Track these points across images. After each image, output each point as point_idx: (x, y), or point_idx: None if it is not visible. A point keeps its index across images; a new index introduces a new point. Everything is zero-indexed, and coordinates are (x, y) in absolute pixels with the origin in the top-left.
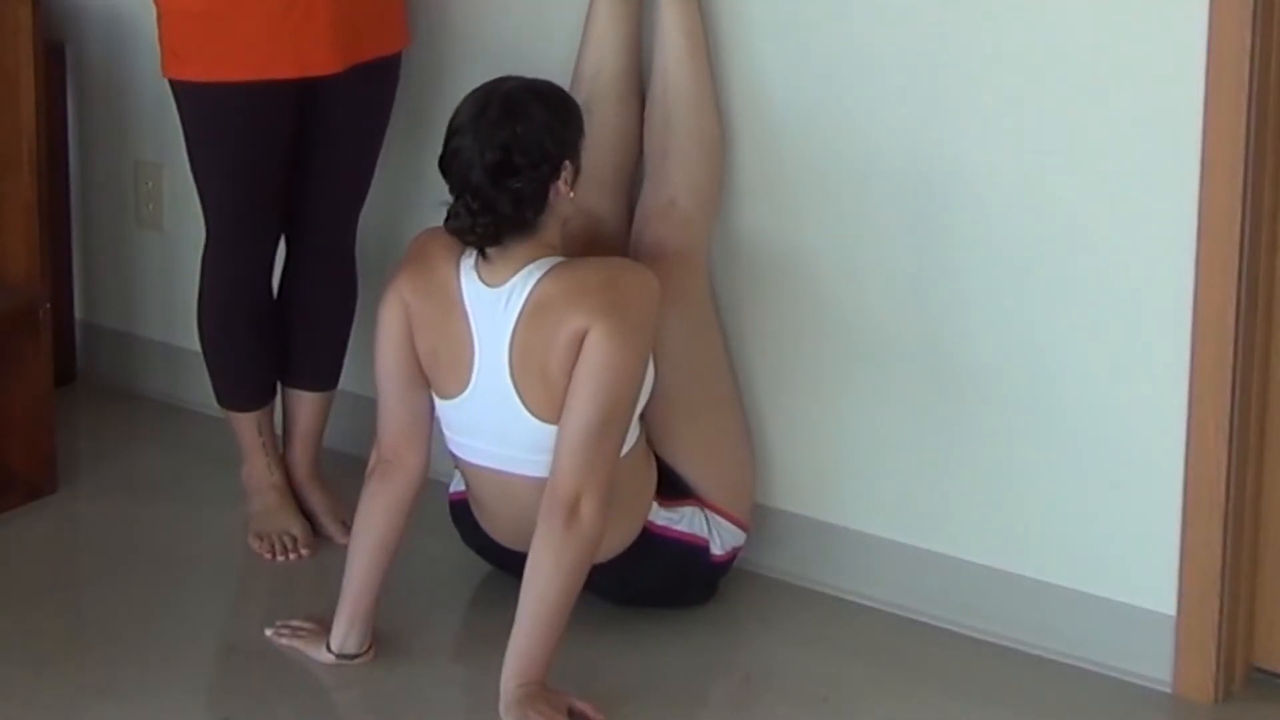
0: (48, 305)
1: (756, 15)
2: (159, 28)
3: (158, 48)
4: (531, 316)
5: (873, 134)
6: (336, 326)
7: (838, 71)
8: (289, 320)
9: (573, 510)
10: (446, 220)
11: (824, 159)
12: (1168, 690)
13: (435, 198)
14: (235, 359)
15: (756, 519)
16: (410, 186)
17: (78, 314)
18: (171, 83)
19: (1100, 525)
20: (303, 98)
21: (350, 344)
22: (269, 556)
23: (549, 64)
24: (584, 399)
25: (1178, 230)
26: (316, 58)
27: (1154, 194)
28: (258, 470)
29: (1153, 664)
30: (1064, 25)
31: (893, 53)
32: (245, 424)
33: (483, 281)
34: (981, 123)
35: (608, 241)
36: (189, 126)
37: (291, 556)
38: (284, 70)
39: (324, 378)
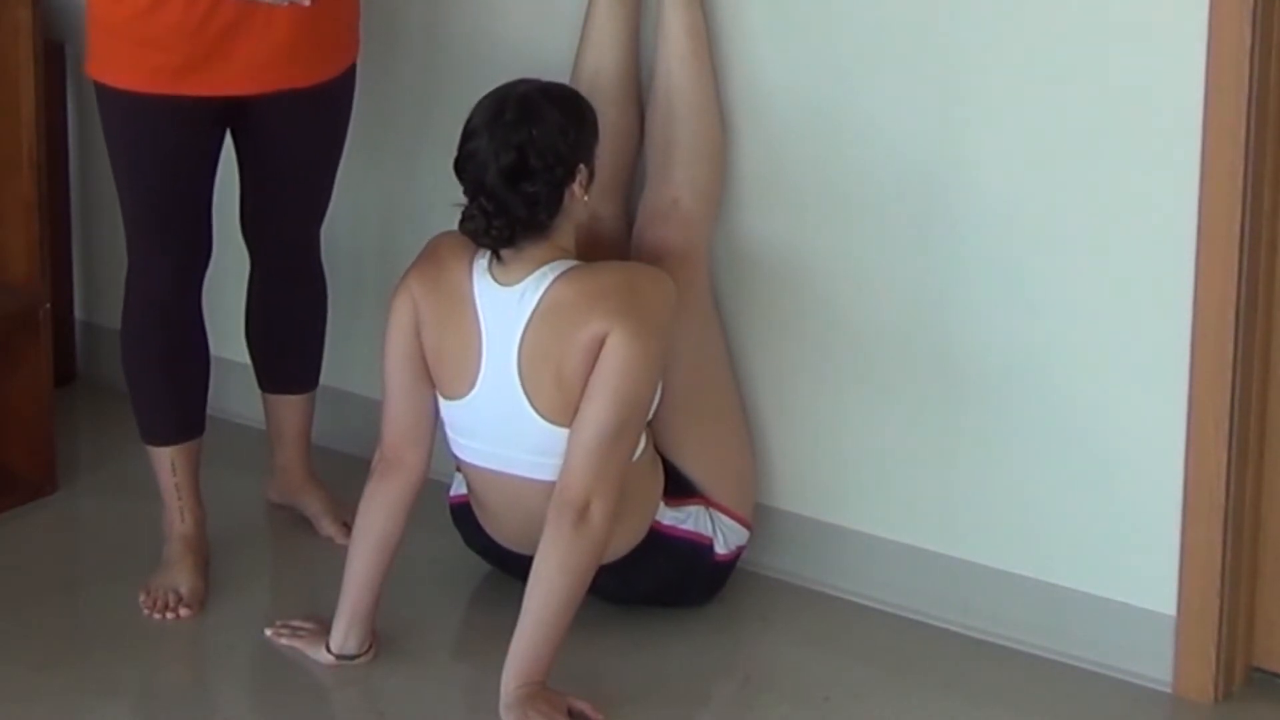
0: (48, 305)
1: (757, 15)
2: (88, 28)
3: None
4: (545, 318)
5: (873, 135)
6: (310, 334)
7: (839, 72)
8: (260, 333)
9: (582, 513)
10: (461, 222)
11: (825, 159)
12: (1168, 690)
13: (448, 200)
14: (150, 386)
15: (758, 519)
16: (411, 189)
17: (78, 314)
18: (93, 83)
19: (1100, 525)
20: (230, 117)
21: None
22: (147, 613)
23: (548, 65)
24: (601, 403)
25: (1178, 230)
26: (233, 79)
27: (1154, 194)
28: (170, 515)
29: (1153, 664)
30: (1064, 26)
31: (894, 53)
32: (161, 460)
33: (496, 281)
34: (983, 123)
35: (607, 242)
36: (106, 131)
37: (169, 616)
38: (197, 88)
39: (305, 381)
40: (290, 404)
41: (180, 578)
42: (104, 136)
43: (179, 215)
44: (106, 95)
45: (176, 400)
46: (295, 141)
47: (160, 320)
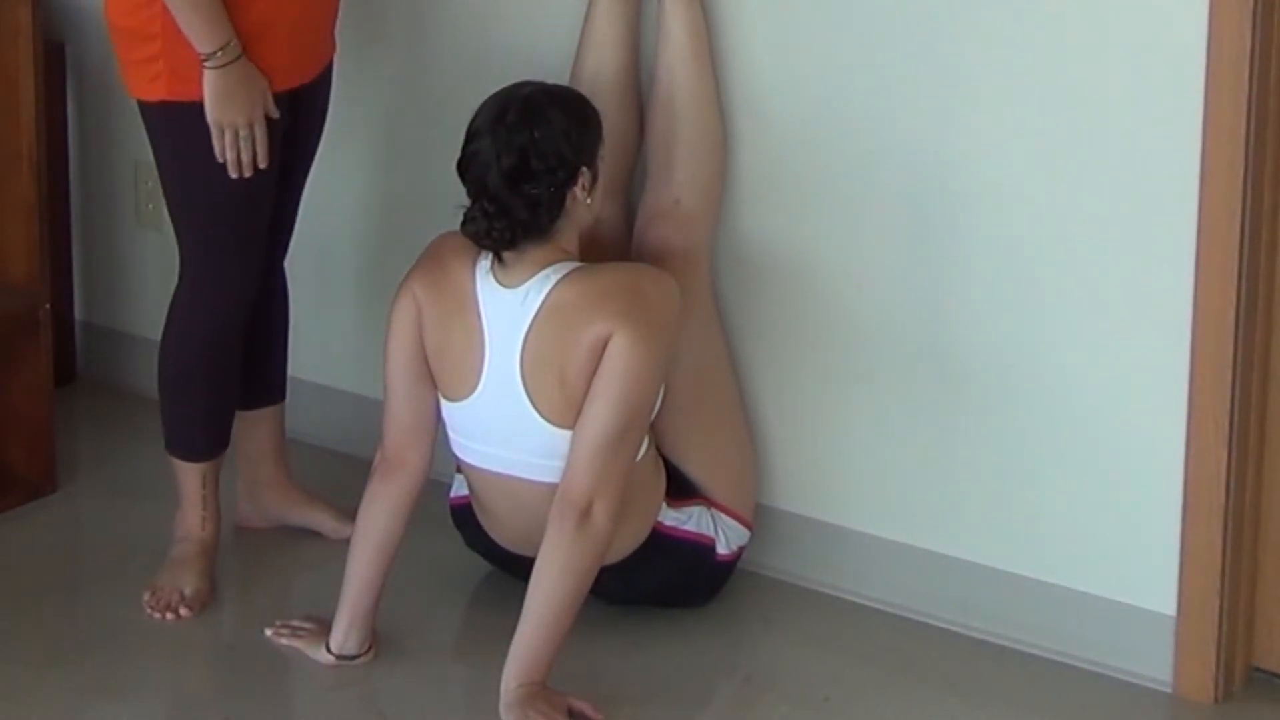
0: (48, 305)
1: (757, 15)
2: (125, 42)
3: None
4: (548, 319)
5: (873, 134)
6: (285, 339)
7: (839, 72)
8: (248, 343)
9: (585, 514)
10: (463, 224)
11: (825, 159)
12: (1168, 690)
13: (451, 201)
14: (203, 405)
15: (759, 519)
16: (411, 190)
17: (78, 314)
18: (164, 106)
19: (1100, 525)
20: (293, 108)
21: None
22: (149, 610)
23: (548, 66)
24: (604, 405)
25: (1178, 230)
26: (310, 64)
27: (1154, 194)
28: (190, 521)
29: (1153, 664)
30: (1064, 26)
31: (894, 54)
32: (192, 474)
33: (498, 282)
34: (983, 123)
35: (608, 243)
36: (179, 151)
37: (169, 616)
38: (296, 78)
39: (282, 388)
40: (270, 415)
41: (187, 579)
42: (173, 158)
43: (258, 226)
44: (189, 112)
45: (219, 417)
46: (316, 128)
47: (222, 342)
